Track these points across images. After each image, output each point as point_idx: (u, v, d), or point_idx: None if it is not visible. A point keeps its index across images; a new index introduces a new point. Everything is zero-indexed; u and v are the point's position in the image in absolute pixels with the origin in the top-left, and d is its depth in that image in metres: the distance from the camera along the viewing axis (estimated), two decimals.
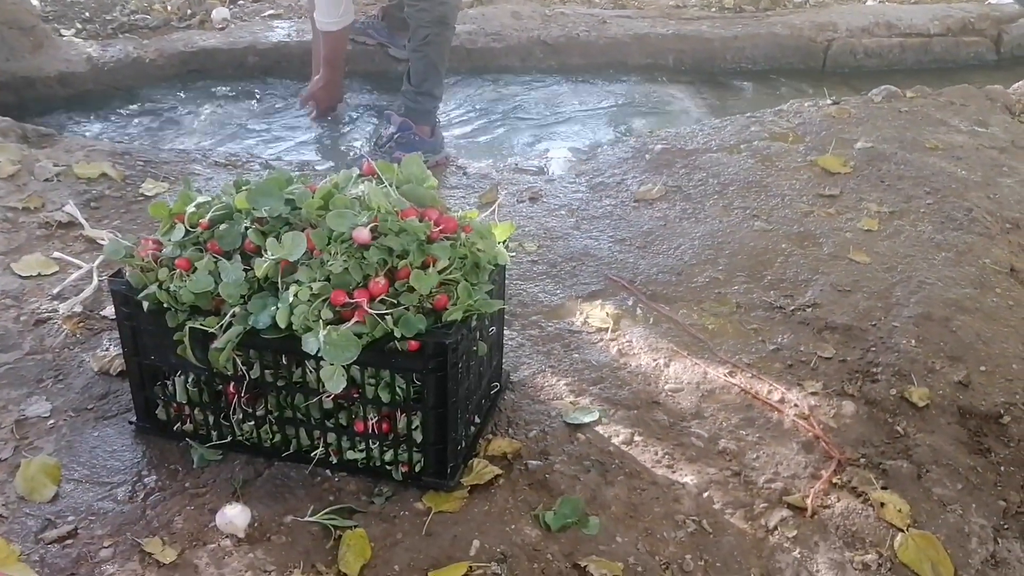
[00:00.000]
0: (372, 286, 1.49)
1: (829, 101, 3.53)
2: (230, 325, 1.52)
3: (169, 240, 1.60)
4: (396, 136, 3.14)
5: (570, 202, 2.80)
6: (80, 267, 2.29)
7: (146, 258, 1.59)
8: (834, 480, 1.71)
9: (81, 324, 2.07)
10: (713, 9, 5.25)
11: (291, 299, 1.47)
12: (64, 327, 2.06)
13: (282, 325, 1.47)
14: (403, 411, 1.58)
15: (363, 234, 1.50)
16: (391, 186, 1.61)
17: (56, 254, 2.34)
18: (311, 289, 1.48)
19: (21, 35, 4.19)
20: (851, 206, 2.71)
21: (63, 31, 5.35)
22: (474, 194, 2.89)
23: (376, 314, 1.46)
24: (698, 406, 1.89)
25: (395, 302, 1.49)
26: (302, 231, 1.54)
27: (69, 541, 1.50)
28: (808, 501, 1.65)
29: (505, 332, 2.11)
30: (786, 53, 4.50)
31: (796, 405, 1.89)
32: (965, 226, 2.60)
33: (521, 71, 4.48)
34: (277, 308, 1.49)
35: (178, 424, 1.73)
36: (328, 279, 1.49)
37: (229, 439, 1.69)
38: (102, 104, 4.15)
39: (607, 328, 2.15)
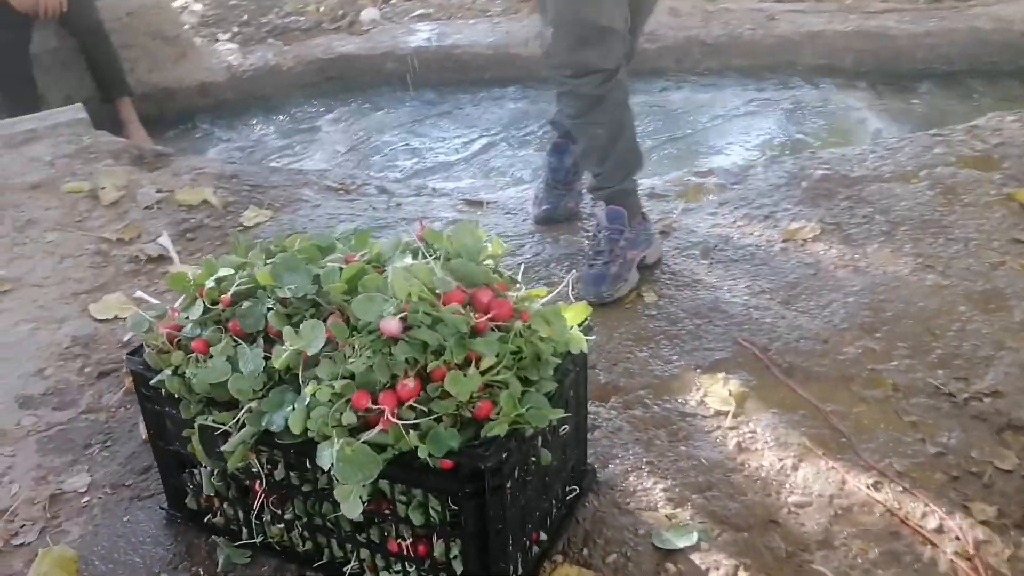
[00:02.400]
0: (400, 389, 1.25)
1: None
2: (244, 424, 1.33)
3: (187, 318, 1.42)
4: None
5: (706, 238, 2.46)
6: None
7: (164, 337, 1.42)
8: None
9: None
10: (918, 2, 4.67)
11: (308, 400, 1.26)
12: (125, 381, 1.96)
13: (295, 431, 1.27)
14: (440, 535, 1.33)
15: (391, 325, 1.26)
16: (438, 259, 1.36)
17: (138, 293, 2.24)
18: (332, 388, 1.26)
19: (164, 45, 4.25)
20: None
21: (220, 35, 5.47)
22: None
23: (402, 424, 1.22)
24: (827, 529, 1.54)
25: (427, 410, 1.24)
26: (329, 316, 1.33)
27: None
28: None
29: (602, 411, 1.83)
30: (989, 51, 3.91)
31: (958, 538, 1.51)
32: None
33: (676, 74, 4.13)
34: (293, 409, 1.28)
35: (208, 516, 1.56)
36: (352, 377, 1.27)
37: (260, 539, 1.51)
38: (238, 114, 4.16)
39: (727, 412, 1.82)
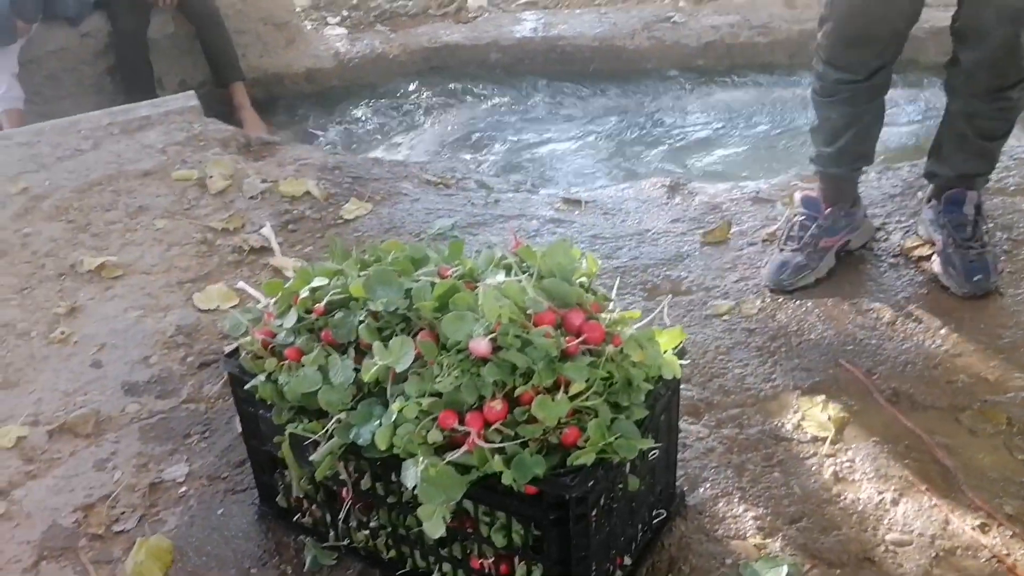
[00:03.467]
0: (487, 411, 1.25)
1: None
2: (332, 435, 1.34)
3: (281, 325, 1.45)
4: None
5: None
6: (260, 300, 2.24)
7: (259, 342, 1.45)
8: None
9: None
10: None
11: (395, 415, 1.27)
12: (224, 373, 2.01)
13: (381, 447, 1.27)
14: (522, 557, 1.33)
15: (481, 346, 1.26)
16: (530, 278, 1.35)
17: (240, 284, 2.31)
18: (419, 405, 1.27)
19: (275, 31, 4.35)
20: None
21: (330, 19, 5.56)
22: (698, 229, 2.54)
23: (488, 448, 1.22)
24: (927, 572, 1.48)
25: (513, 434, 1.23)
26: (419, 331, 1.33)
27: None
28: None
29: (694, 428, 1.80)
30: None
31: None
32: None
33: (789, 70, 4.01)
34: (380, 424, 1.29)
35: (298, 515, 1.59)
36: (439, 396, 1.27)
37: (346, 543, 1.53)
38: (343, 100, 4.22)
39: (826, 438, 1.76)
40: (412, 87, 4.27)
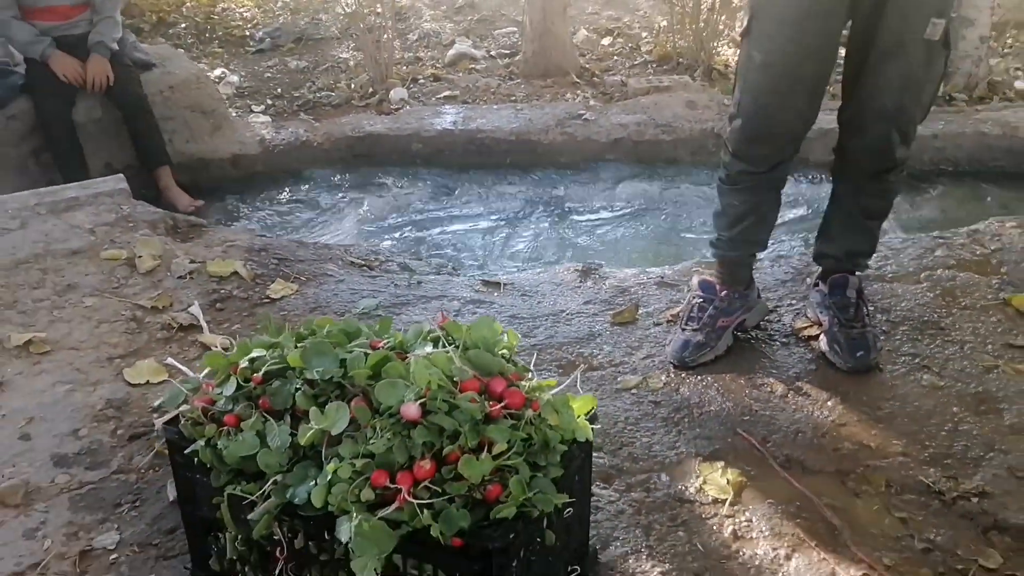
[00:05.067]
0: (417, 470, 1.35)
1: None
2: (269, 495, 1.42)
3: (221, 394, 1.53)
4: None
5: None
6: (187, 376, 2.30)
7: (198, 410, 1.53)
8: None
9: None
10: None
11: (329, 476, 1.36)
12: (155, 445, 2.06)
13: (317, 504, 1.36)
14: None
15: (411, 410, 1.37)
16: (456, 350, 1.47)
17: (169, 360, 2.36)
18: (353, 466, 1.36)
19: (202, 118, 4.45)
20: None
21: (254, 107, 5.70)
22: (608, 311, 2.71)
23: (417, 504, 1.32)
24: None
25: (441, 491, 1.34)
26: (353, 398, 1.44)
27: None
28: None
29: (605, 492, 1.92)
30: (995, 155, 4.06)
31: None
32: None
33: (691, 165, 4.29)
34: (315, 484, 1.38)
35: None
36: (372, 457, 1.37)
37: None
38: (268, 186, 4.32)
39: (725, 500, 1.90)
40: (337, 174, 4.40)
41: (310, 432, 1.40)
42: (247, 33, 7.94)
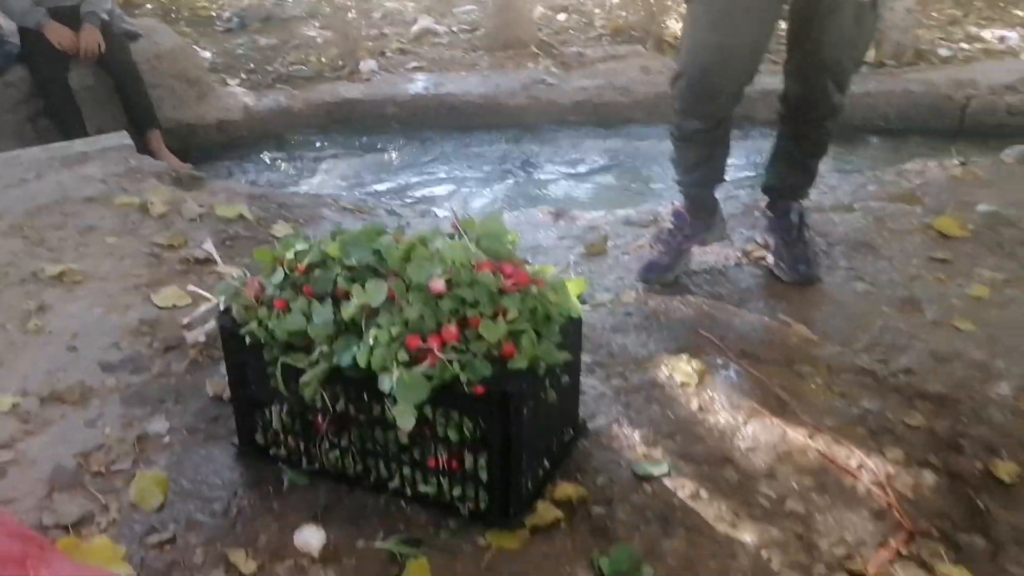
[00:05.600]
0: (444, 333, 1.60)
1: (956, 161, 3.44)
2: (317, 362, 1.67)
3: (270, 282, 1.77)
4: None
5: None
6: (209, 300, 2.52)
7: (250, 298, 1.77)
8: (902, 551, 1.69)
9: (204, 352, 2.29)
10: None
11: (371, 341, 1.61)
12: (189, 354, 2.28)
13: (362, 364, 1.61)
14: (471, 450, 1.68)
15: (438, 284, 1.62)
16: (470, 240, 1.73)
17: (191, 287, 2.59)
18: (390, 333, 1.61)
19: (188, 86, 4.62)
20: (963, 272, 2.65)
21: (229, 80, 5.86)
22: (581, 244, 2.98)
23: (446, 359, 1.58)
24: (771, 466, 1.91)
25: (464, 349, 1.60)
26: (385, 280, 1.69)
27: (167, 546, 1.67)
28: (870, 569, 1.64)
29: (589, 381, 2.19)
30: (920, 111, 4.41)
31: (873, 472, 1.88)
32: None
33: (647, 124, 4.57)
34: (359, 349, 1.63)
35: (273, 449, 1.89)
36: (406, 324, 1.62)
37: (317, 466, 1.84)
38: (253, 149, 4.51)
39: (690, 383, 2.19)
40: (316, 137, 4.61)
41: (353, 306, 1.65)
42: (213, 13, 8.06)
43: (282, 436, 1.86)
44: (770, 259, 2.70)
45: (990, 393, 2.11)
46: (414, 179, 4.14)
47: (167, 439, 1.99)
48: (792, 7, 2.46)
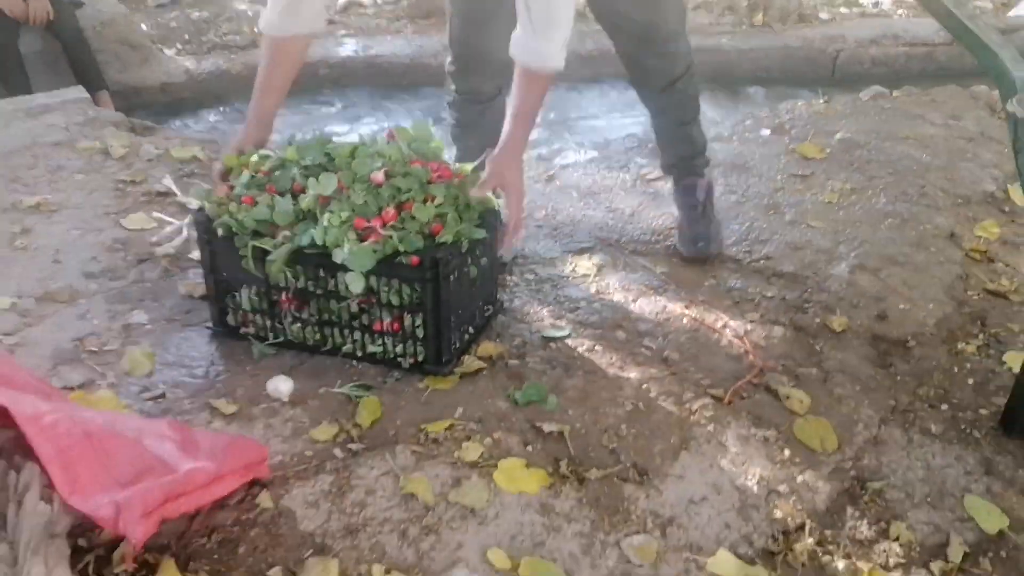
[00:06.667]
0: (384, 215, 1.93)
1: (821, 100, 3.88)
2: (282, 244, 1.98)
3: (239, 183, 2.07)
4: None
5: (578, 182, 3.22)
6: (173, 223, 2.80)
7: (221, 196, 2.07)
8: (753, 381, 2.09)
9: (174, 263, 2.57)
10: (744, 26, 5.65)
11: (326, 223, 1.93)
12: (161, 263, 2.56)
13: (319, 242, 1.92)
14: (409, 312, 2.01)
15: (378, 176, 1.95)
16: (404, 144, 2.06)
17: (156, 214, 2.85)
18: (341, 217, 1.94)
19: (131, 51, 4.81)
20: (818, 184, 3.07)
21: (166, 50, 6.02)
22: None
23: (387, 235, 1.91)
24: (653, 329, 2.29)
25: (402, 227, 1.93)
26: (335, 174, 2.01)
27: (160, 400, 1.97)
28: (727, 393, 2.03)
29: (507, 277, 2.54)
30: (797, 63, 4.86)
31: (734, 328, 2.28)
32: (915, 200, 2.94)
33: (562, 81, 4.92)
34: (316, 230, 1.95)
35: (244, 328, 2.19)
36: (353, 210, 1.95)
37: (281, 339, 2.15)
38: (196, 108, 4.73)
39: (591, 274, 2.56)
40: None
41: (310, 197, 1.97)
42: None
43: (251, 315, 2.17)
44: (675, 235, 2.73)
45: (831, 271, 2.53)
46: (347, 129, 4.43)
47: (149, 326, 2.27)
48: None
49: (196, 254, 2.51)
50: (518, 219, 2.08)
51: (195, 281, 2.43)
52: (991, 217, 2.94)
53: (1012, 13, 5.56)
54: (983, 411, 2.07)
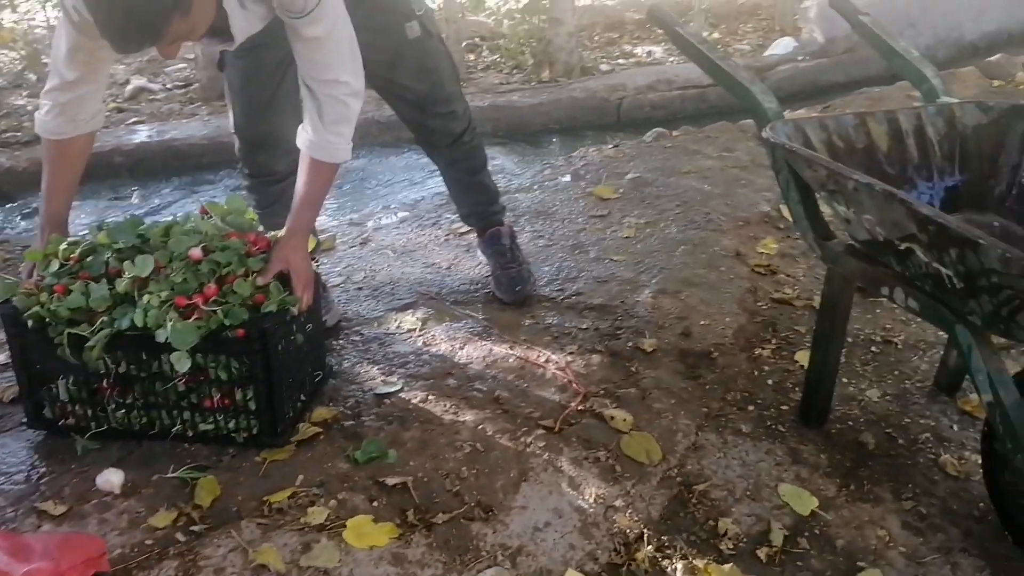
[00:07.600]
0: (206, 291, 1.95)
1: (610, 145, 4.20)
2: (100, 329, 1.95)
3: (47, 273, 2.02)
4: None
5: (393, 242, 3.32)
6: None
7: (29, 287, 2.01)
8: (579, 407, 2.24)
9: None
10: (533, 83, 6.00)
11: (145, 304, 1.92)
12: None
13: (139, 324, 1.91)
14: (239, 387, 2.02)
15: (197, 252, 1.97)
16: (218, 218, 2.09)
17: None
18: (160, 297, 1.94)
19: None
20: (616, 221, 3.33)
21: None
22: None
23: (210, 310, 1.93)
24: (483, 372, 2.40)
25: (225, 301, 1.96)
26: (151, 255, 2.00)
27: None
28: (557, 422, 2.17)
29: (333, 341, 2.58)
30: (586, 112, 5.23)
31: (556, 362, 2.43)
32: (703, 226, 3.25)
33: (361, 146, 5.04)
34: (135, 312, 1.93)
35: (62, 420, 2.10)
36: (172, 288, 1.95)
37: (105, 427, 2.07)
38: None
39: (416, 328, 2.65)
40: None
41: (126, 279, 1.95)
42: None
43: (71, 407, 2.09)
44: (492, 283, 2.86)
45: (636, 298, 2.75)
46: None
47: None
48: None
49: (1, 357, 2.41)
50: (309, 301, 2.13)
51: (2, 386, 2.33)
52: (769, 235, 3.28)
53: (767, 53, 6.22)
54: (784, 407, 2.31)
